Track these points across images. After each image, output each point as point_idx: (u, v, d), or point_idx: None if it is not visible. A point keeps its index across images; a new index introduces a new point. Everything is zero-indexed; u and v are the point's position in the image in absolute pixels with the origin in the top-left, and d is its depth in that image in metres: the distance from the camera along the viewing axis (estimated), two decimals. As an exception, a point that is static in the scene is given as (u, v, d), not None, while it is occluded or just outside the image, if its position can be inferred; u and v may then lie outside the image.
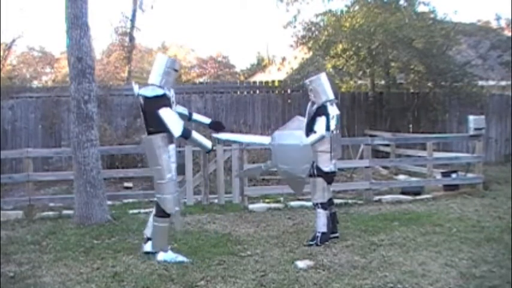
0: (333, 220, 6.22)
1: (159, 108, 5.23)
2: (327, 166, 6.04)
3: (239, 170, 8.31)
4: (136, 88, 5.44)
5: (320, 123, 5.95)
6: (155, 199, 5.59)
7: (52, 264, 5.42)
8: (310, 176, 6.14)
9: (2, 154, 8.77)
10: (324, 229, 6.02)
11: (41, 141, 12.41)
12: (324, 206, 6.06)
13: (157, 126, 5.27)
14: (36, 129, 12.56)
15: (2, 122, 12.23)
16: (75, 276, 5.01)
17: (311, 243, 5.97)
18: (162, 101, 5.29)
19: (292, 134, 5.98)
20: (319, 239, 5.98)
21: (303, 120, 6.24)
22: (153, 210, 5.67)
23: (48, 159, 11.54)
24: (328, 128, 5.99)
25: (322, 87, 6.08)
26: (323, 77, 6.21)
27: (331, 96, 6.12)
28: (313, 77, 6.29)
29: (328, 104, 6.05)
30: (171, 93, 5.47)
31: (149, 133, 5.38)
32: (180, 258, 5.42)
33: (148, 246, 5.61)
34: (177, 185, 5.63)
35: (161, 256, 5.43)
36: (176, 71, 5.59)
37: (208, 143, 5.58)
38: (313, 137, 5.93)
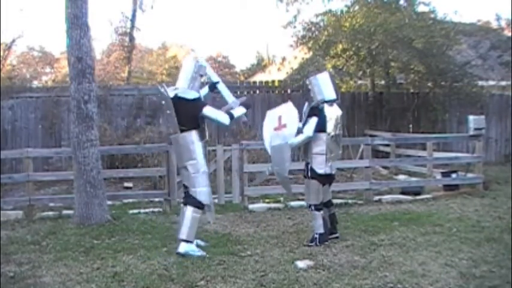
0: (332, 220, 6.21)
1: (201, 108, 5.70)
2: (321, 168, 5.97)
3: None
4: (167, 90, 5.69)
5: (309, 124, 5.89)
6: (190, 192, 5.77)
7: (52, 264, 5.42)
8: (305, 177, 6.12)
9: (2, 154, 8.76)
10: (321, 230, 6.00)
11: (41, 141, 12.39)
12: (317, 207, 6.02)
13: (191, 125, 5.66)
14: (36, 129, 12.55)
15: (2, 122, 12.22)
16: (75, 276, 5.02)
17: (310, 244, 5.96)
18: (201, 101, 5.80)
19: (281, 135, 5.91)
20: (317, 240, 5.97)
21: (292, 108, 6.05)
22: (182, 200, 5.98)
23: (48, 159, 11.54)
24: (323, 129, 5.91)
25: (319, 87, 6.00)
26: (321, 76, 6.11)
27: (330, 96, 6.00)
28: (312, 76, 6.23)
29: (325, 104, 5.96)
30: None
31: (182, 131, 5.68)
32: (200, 253, 5.62)
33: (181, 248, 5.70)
34: (209, 178, 5.89)
35: (183, 248, 5.62)
36: (202, 76, 5.91)
37: (242, 110, 6.09)
38: (298, 138, 5.90)
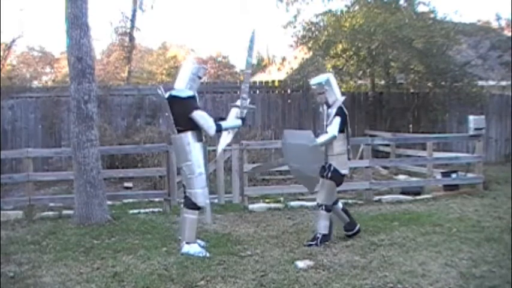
0: (348, 214, 6.26)
1: (191, 110, 5.58)
2: (344, 168, 6.00)
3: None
4: (163, 92, 5.70)
5: (334, 124, 5.87)
6: (186, 193, 5.79)
7: (52, 264, 5.42)
8: (322, 176, 6.02)
9: (2, 154, 8.76)
10: (325, 231, 5.99)
11: (41, 141, 12.41)
12: (327, 208, 6.00)
13: (186, 125, 5.58)
14: (36, 129, 12.57)
15: (2, 122, 12.23)
16: (75, 276, 5.02)
17: (311, 243, 5.96)
18: (194, 102, 5.67)
19: (302, 134, 5.93)
20: (319, 240, 5.95)
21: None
22: (182, 203, 5.90)
23: (48, 159, 11.54)
24: (343, 129, 5.92)
25: (332, 87, 6.01)
26: (331, 76, 6.19)
27: (340, 96, 6.11)
28: (322, 79, 6.07)
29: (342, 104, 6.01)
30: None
31: (178, 131, 5.64)
32: (203, 253, 5.61)
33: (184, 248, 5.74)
34: (206, 180, 5.82)
35: (185, 248, 5.64)
36: (200, 78, 5.85)
37: (238, 122, 6.00)
38: (323, 138, 5.87)
